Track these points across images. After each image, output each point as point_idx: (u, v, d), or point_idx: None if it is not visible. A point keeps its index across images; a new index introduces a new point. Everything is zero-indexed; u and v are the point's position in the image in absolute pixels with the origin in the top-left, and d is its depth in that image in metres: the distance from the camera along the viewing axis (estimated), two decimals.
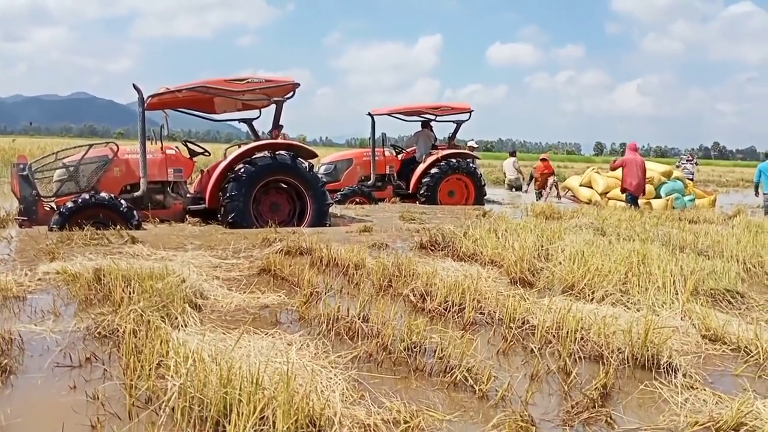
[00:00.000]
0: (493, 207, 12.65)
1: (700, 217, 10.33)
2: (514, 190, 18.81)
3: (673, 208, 12.75)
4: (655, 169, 14.06)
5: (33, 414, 2.48)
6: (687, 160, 20.07)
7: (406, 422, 2.42)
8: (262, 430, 2.21)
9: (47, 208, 7.73)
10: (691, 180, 18.96)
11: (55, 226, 7.18)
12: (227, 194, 8.15)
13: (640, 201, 12.84)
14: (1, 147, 26.45)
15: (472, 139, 18.19)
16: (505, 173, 20.14)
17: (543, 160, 17.71)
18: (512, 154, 20.15)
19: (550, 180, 16.77)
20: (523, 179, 19.13)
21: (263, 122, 9.47)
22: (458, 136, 14.12)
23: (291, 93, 8.96)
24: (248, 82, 8.44)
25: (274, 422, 2.19)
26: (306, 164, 8.72)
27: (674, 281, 4.53)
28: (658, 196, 13.33)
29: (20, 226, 7.52)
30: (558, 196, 16.05)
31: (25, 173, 7.51)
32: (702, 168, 45.26)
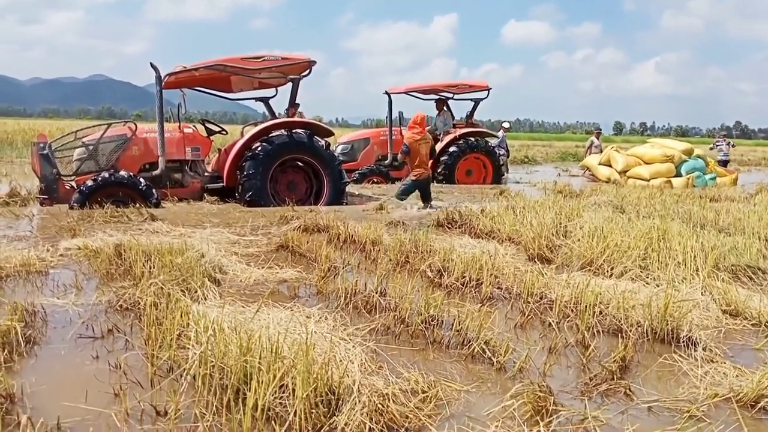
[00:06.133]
0: (511, 186, 12.56)
1: (721, 195, 10.18)
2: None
3: (694, 186, 12.59)
4: (675, 147, 13.86)
5: (57, 382, 2.53)
6: (725, 143, 19.79)
7: (424, 392, 2.43)
8: (281, 397, 2.24)
9: (67, 187, 7.81)
10: (726, 161, 18.83)
11: (75, 204, 7.26)
12: (245, 173, 8.18)
13: (659, 180, 12.69)
14: (22, 128, 26.76)
15: (507, 120, 17.99)
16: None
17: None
18: (597, 134, 19.74)
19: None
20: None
21: (279, 101, 9.47)
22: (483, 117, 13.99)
23: (307, 71, 8.94)
24: (264, 60, 8.43)
25: (293, 390, 2.21)
26: (323, 143, 8.72)
27: (695, 257, 4.47)
28: (678, 175, 13.16)
29: (41, 204, 7.62)
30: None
31: (45, 152, 7.59)
32: None
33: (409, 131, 8.53)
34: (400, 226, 6.41)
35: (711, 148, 19.32)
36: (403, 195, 8.49)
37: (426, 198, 8.45)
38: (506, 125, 17.21)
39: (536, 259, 4.92)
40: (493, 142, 14.16)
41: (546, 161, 26.48)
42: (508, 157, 16.56)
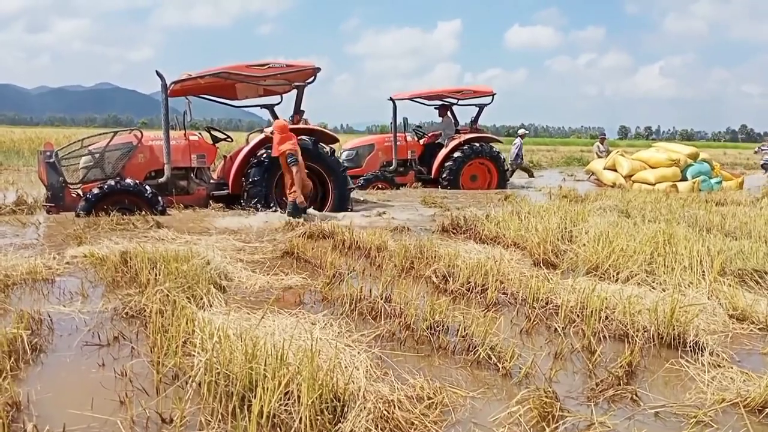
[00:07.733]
0: (515, 191, 12.54)
1: (727, 199, 10.15)
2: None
3: (700, 190, 12.54)
4: (681, 151, 13.82)
5: (63, 390, 2.53)
6: None
7: (429, 398, 2.43)
8: (287, 404, 2.24)
9: (74, 195, 7.83)
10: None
11: (81, 212, 7.29)
12: (250, 179, 8.20)
13: (664, 184, 12.65)
14: (28, 137, 26.88)
15: (522, 126, 18.00)
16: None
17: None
18: (601, 139, 19.66)
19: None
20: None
21: (284, 108, 9.50)
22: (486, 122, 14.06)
23: (312, 78, 8.95)
24: (269, 67, 8.46)
25: (298, 397, 2.21)
26: (327, 149, 8.73)
27: (701, 261, 4.46)
28: (684, 179, 13.11)
29: (48, 212, 7.65)
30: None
31: (51, 160, 7.62)
32: (729, 151, 44.42)
33: (289, 139, 7.71)
34: (405, 232, 6.41)
35: (755, 152, 19.56)
36: (296, 213, 7.55)
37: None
38: (523, 132, 17.33)
39: (541, 264, 4.91)
40: (512, 150, 14.39)
41: (551, 166, 26.41)
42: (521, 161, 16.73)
